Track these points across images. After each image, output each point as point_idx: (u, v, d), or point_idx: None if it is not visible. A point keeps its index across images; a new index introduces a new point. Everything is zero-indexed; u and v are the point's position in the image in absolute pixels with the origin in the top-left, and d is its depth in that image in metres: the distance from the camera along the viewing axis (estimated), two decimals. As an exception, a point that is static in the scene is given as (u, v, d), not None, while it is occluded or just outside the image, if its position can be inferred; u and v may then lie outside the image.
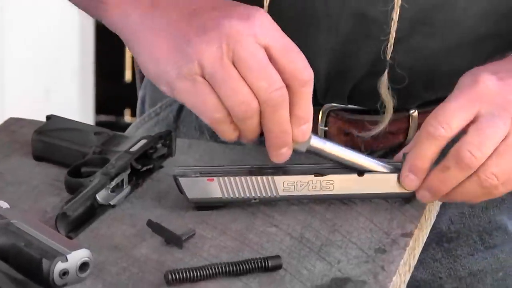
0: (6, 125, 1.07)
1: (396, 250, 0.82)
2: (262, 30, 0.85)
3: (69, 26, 2.18)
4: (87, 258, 0.76)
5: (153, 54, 0.88)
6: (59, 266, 0.74)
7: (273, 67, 0.85)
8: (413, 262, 0.85)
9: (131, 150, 0.95)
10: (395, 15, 1.02)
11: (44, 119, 1.03)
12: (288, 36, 0.90)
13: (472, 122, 0.90)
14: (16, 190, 0.93)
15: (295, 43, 0.90)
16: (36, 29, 2.20)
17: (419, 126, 1.07)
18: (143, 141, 0.96)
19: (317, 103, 1.05)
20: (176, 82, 0.86)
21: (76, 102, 2.17)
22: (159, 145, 0.98)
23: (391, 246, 0.83)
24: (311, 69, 0.87)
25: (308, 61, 0.91)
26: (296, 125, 0.88)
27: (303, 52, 0.91)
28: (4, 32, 2.27)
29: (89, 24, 2.19)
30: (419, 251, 0.88)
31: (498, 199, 1.07)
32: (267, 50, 0.85)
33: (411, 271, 0.86)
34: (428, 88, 1.12)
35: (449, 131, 0.90)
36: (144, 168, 0.94)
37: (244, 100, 0.84)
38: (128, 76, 2.43)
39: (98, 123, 2.12)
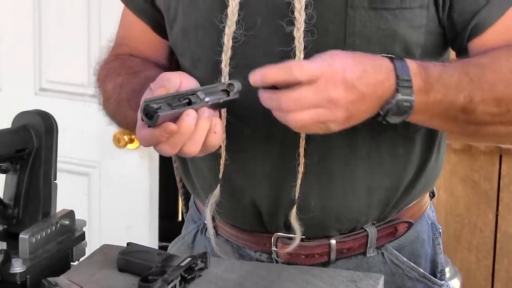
0: (101, 249, 1.27)
1: None
2: None
3: (140, 188, 2.35)
4: None
5: None
6: None
7: None
8: None
9: (181, 264, 1.13)
10: (300, 169, 1.15)
11: (125, 245, 1.22)
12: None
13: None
14: (107, 292, 1.13)
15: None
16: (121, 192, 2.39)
17: (338, 251, 1.16)
18: (189, 259, 1.15)
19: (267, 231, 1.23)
20: None
21: (146, 234, 2.31)
22: (199, 261, 1.16)
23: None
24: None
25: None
26: None
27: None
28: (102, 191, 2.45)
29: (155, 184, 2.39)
30: None
31: None
32: None
33: None
34: (339, 222, 1.19)
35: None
36: (189, 277, 1.13)
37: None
38: (179, 217, 2.92)
39: (160, 247, 2.16)
